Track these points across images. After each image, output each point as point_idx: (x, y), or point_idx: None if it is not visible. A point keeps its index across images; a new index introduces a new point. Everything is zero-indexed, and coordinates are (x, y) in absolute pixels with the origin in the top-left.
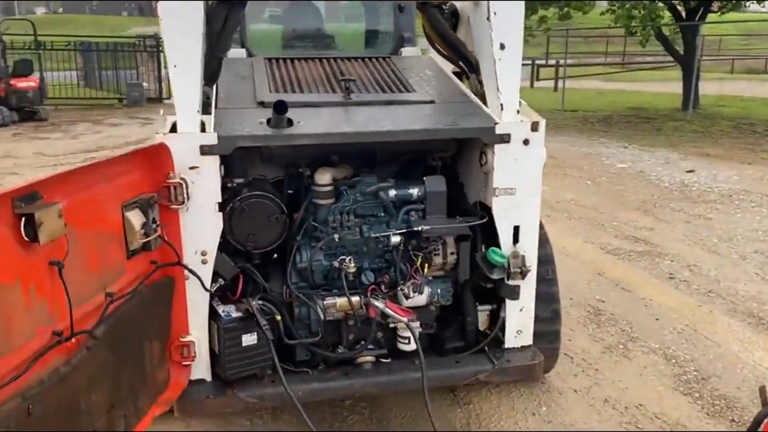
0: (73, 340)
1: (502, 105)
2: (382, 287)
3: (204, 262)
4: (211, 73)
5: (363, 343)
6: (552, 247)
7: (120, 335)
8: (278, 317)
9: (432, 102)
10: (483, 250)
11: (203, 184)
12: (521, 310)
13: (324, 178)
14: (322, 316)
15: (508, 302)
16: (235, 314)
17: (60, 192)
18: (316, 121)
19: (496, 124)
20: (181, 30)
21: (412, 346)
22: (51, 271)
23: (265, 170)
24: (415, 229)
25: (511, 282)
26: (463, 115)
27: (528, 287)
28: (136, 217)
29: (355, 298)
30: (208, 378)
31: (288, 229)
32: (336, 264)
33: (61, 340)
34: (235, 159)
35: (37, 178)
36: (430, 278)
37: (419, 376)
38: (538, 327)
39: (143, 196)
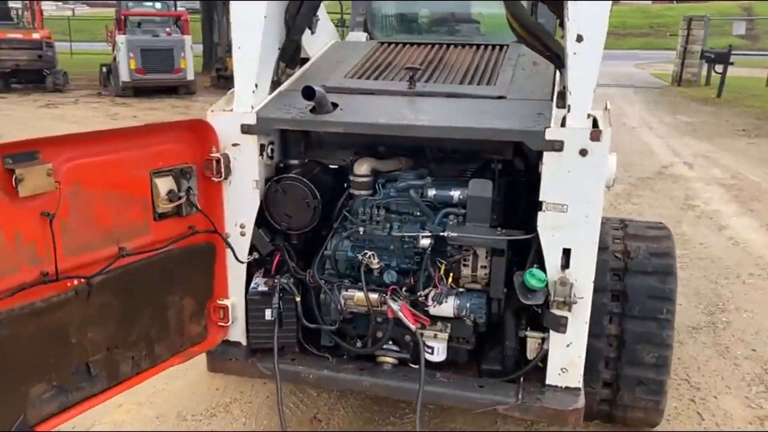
0: (76, 282)
1: (569, 106)
2: (403, 289)
3: (242, 234)
4: (289, 56)
5: (381, 341)
6: (677, 283)
7: (134, 286)
8: (297, 298)
9: (501, 98)
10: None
11: (243, 161)
12: (568, 345)
13: (361, 168)
14: (340, 307)
15: (552, 334)
16: (262, 288)
17: (67, 152)
18: (360, 110)
19: (546, 128)
20: (245, 15)
21: (438, 357)
22: (43, 221)
23: (343, 155)
24: (440, 234)
25: (556, 311)
26: (520, 115)
27: (578, 321)
28: (164, 184)
29: (375, 296)
30: (244, 342)
31: (326, 215)
32: (360, 257)
33: (45, 279)
34: (291, 140)
35: (40, 137)
36: (461, 290)
37: (430, 390)
38: (638, 372)
39: (179, 166)
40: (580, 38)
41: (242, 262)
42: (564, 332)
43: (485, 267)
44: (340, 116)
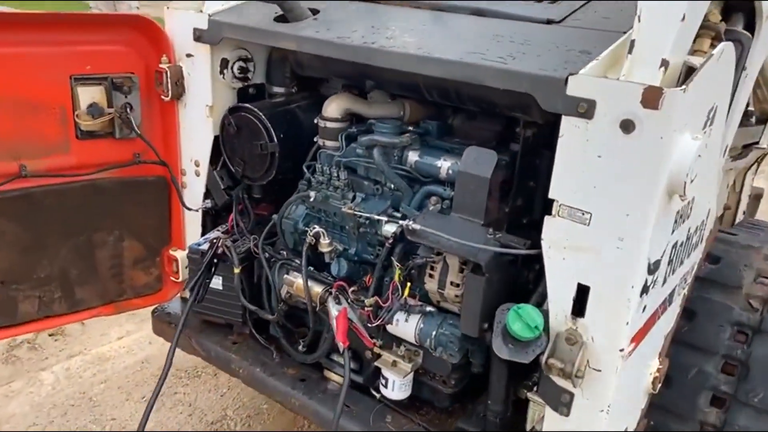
0: None
1: (632, 43)
2: (352, 289)
3: (197, 173)
4: None
5: (320, 351)
6: None
7: (43, 213)
8: (236, 270)
9: (550, 22)
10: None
11: (197, 78)
12: None
13: (329, 108)
14: (277, 293)
15: (549, 411)
16: (204, 246)
17: None
18: (338, 23)
19: (570, 75)
20: None
21: (393, 394)
22: None
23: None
24: (400, 222)
25: (556, 380)
26: (551, 52)
27: (591, 405)
28: (86, 95)
29: (318, 288)
30: None
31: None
32: (309, 232)
33: None
34: (274, 61)
35: None
36: (429, 309)
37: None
38: None
39: (113, 75)
40: None
41: (188, 209)
42: (565, 414)
43: (457, 285)
44: (299, 29)
